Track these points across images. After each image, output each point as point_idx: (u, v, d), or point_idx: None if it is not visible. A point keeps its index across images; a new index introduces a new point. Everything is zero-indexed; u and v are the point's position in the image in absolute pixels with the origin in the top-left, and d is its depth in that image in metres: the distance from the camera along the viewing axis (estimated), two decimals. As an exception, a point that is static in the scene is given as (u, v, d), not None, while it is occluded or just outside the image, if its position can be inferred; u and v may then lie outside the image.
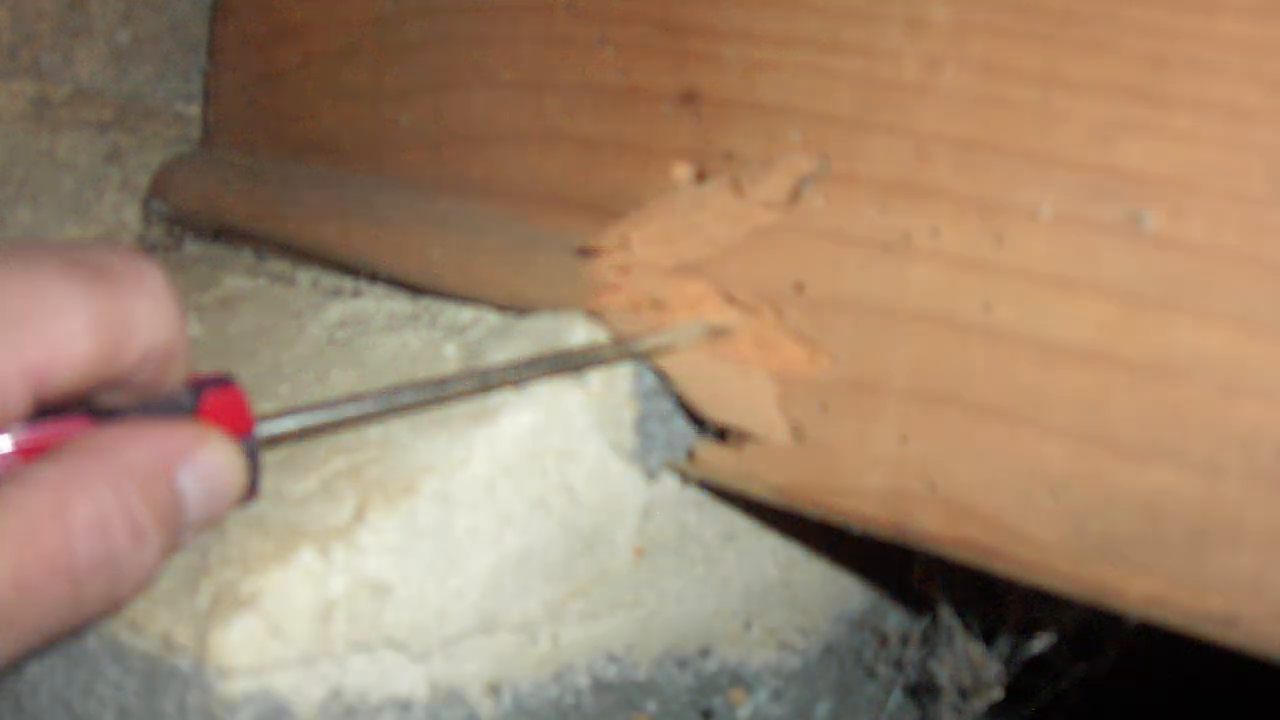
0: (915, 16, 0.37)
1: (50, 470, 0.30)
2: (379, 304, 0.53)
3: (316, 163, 0.60)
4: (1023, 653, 0.48)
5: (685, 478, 0.45)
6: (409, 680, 0.40)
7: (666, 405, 0.44)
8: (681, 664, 0.48)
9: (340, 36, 0.58)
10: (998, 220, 0.35)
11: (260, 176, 0.62)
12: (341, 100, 0.58)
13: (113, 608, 0.31)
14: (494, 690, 0.42)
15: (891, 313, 0.38)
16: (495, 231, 0.49)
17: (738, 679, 0.50)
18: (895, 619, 0.56)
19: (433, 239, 0.51)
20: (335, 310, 0.54)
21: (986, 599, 0.49)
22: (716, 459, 0.42)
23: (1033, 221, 0.35)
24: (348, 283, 0.57)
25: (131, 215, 0.70)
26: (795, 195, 0.40)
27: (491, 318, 0.49)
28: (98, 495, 0.30)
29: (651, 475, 0.45)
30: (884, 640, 0.55)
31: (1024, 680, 0.49)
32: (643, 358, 0.43)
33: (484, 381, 0.40)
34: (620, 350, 0.43)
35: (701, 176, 0.43)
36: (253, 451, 0.35)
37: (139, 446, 0.32)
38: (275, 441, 0.37)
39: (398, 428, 0.42)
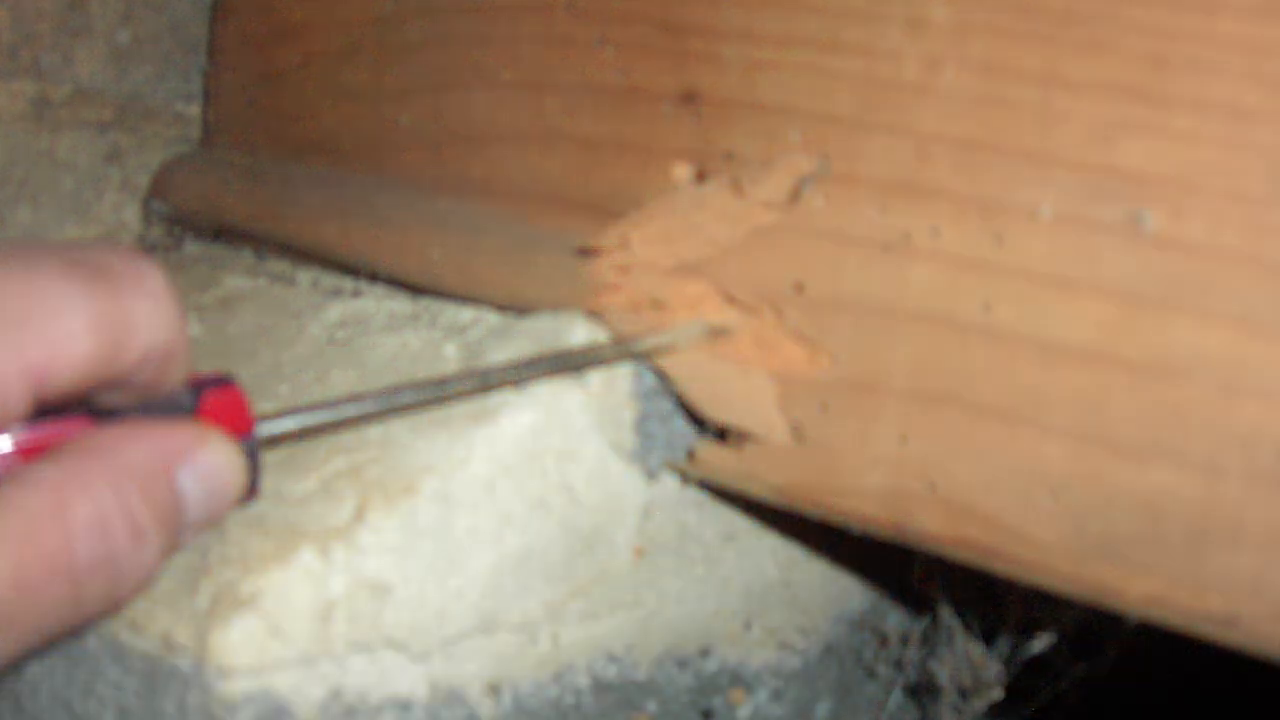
0: (915, 16, 0.37)
1: (50, 470, 0.30)
2: (379, 304, 0.53)
3: (316, 163, 0.60)
4: (1023, 653, 0.48)
5: (685, 478, 0.45)
6: (409, 680, 0.40)
7: (666, 405, 0.44)
8: (681, 664, 0.48)
9: (340, 36, 0.58)
10: (998, 220, 0.35)
11: (260, 176, 0.62)
12: (341, 100, 0.58)
13: (113, 608, 0.31)
14: (494, 690, 0.42)
15: (891, 313, 0.38)
16: (495, 231, 0.49)
17: (738, 679, 0.50)
18: (895, 619, 0.56)
19: (433, 239, 0.51)
20: (335, 310, 0.54)
21: (986, 599, 0.49)
22: (716, 459, 0.42)
23: (1033, 221, 0.35)
24: (348, 283, 0.57)
25: (131, 215, 0.70)
26: (795, 195, 0.40)
27: (491, 318, 0.49)
28: (98, 495, 0.30)
29: (651, 475, 0.45)
30: (884, 640, 0.54)
31: (1024, 680, 0.49)
32: (643, 358, 0.43)
33: (484, 381, 0.40)
34: (620, 350, 0.42)
35: (701, 176, 0.43)
36: (253, 451, 0.35)
37: (139, 446, 0.32)
38: (275, 441, 0.37)
39: (398, 428, 0.42)
